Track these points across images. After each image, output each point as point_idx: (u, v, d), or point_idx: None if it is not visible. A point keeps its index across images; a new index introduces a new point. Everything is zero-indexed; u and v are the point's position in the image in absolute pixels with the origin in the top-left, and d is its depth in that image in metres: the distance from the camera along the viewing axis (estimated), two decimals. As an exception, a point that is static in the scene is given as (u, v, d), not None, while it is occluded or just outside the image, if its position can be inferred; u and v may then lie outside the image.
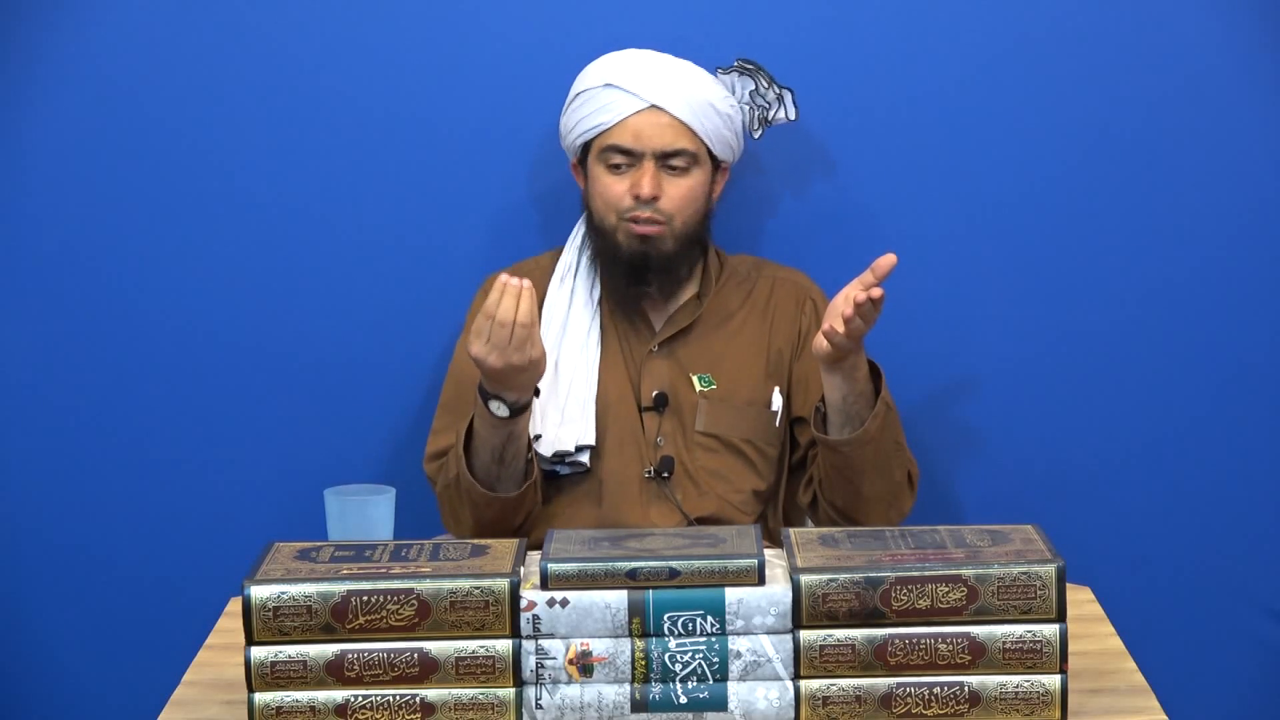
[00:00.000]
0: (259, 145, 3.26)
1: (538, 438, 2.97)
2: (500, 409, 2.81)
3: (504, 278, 2.74)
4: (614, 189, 3.01)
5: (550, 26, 3.24)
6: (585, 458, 2.99)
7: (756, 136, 3.11)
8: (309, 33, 3.24)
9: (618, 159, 3.01)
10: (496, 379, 2.79)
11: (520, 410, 2.83)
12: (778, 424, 3.05)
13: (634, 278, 3.02)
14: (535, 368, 2.78)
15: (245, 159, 3.27)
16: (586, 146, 3.04)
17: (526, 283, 2.74)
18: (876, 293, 2.77)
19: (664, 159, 3.00)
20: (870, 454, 2.89)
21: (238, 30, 3.24)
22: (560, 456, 2.98)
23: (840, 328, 2.78)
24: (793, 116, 3.12)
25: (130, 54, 3.24)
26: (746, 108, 3.11)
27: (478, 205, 3.28)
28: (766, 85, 3.10)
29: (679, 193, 3.00)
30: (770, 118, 3.12)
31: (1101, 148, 3.27)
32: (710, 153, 3.03)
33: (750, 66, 3.10)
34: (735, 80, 3.11)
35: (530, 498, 2.91)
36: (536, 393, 2.87)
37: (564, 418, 2.98)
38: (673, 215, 3.00)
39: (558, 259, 3.12)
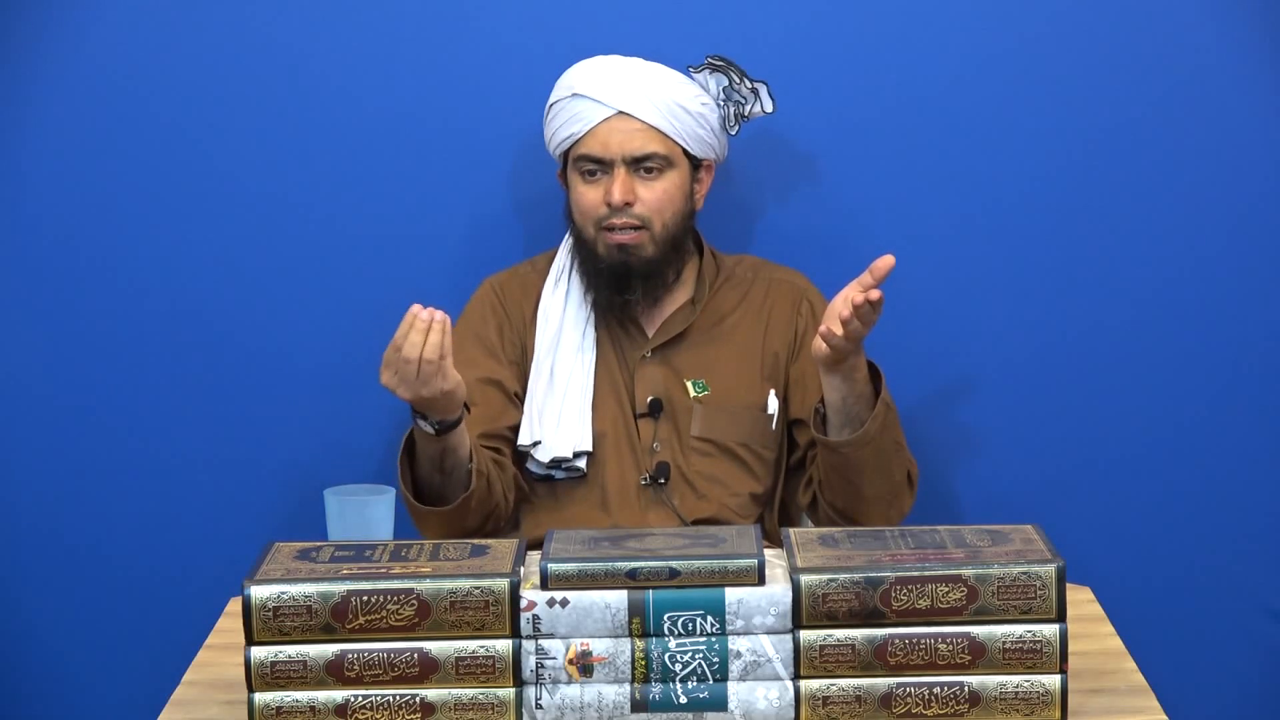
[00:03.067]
0: (259, 149, 3.27)
1: (537, 444, 2.97)
2: (427, 427, 2.78)
3: (415, 309, 2.68)
4: (588, 197, 3.00)
5: (535, 31, 3.24)
6: (583, 463, 2.99)
7: (734, 132, 3.10)
8: (298, 41, 3.25)
9: (590, 167, 3.00)
10: (414, 405, 2.77)
11: (449, 428, 2.79)
12: (774, 427, 3.05)
13: (618, 287, 3.01)
14: (451, 398, 2.73)
15: (246, 162, 3.27)
16: (566, 157, 3.05)
17: (439, 315, 2.68)
18: (875, 295, 2.76)
19: (635, 164, 2.98)
20: (870, 454, 2.89)
21: (223, 38, 3.25)
22: (558, 462, 2.98)
23: (838, 330, 2.77)
24: (769, 109, 3.10)
25: (121, 57, 3.24)
26: (722, 104, 3.09)
27: (478, 206, 3.29)
28: (739, 79, 3.08)
29: (653, 196, 2.99)
30: (747, 112, 3.10)
31: (1099, 144, 3.26)
32: (688, 153, 3.03)
33: (721, 63, 3.08)
34: (709, 78, 3.09)
35: (472, 508, 2.86)
36: (467, 409, 2.82)
37: (561, 424, 2.98)
38: (650, 219, 2.99)
39: (553, 260, 3.12)
